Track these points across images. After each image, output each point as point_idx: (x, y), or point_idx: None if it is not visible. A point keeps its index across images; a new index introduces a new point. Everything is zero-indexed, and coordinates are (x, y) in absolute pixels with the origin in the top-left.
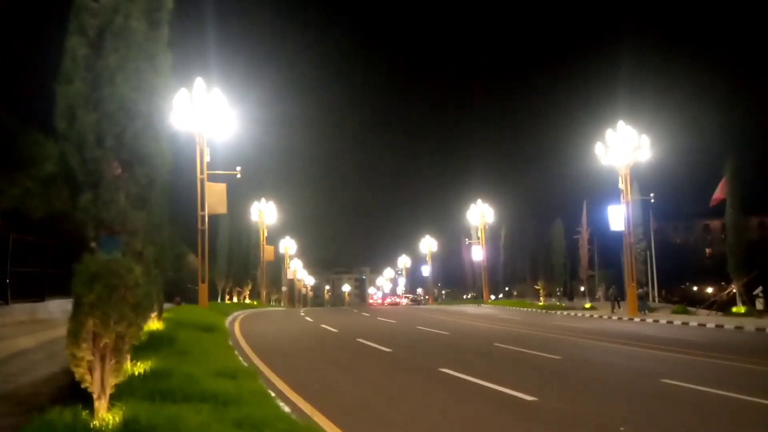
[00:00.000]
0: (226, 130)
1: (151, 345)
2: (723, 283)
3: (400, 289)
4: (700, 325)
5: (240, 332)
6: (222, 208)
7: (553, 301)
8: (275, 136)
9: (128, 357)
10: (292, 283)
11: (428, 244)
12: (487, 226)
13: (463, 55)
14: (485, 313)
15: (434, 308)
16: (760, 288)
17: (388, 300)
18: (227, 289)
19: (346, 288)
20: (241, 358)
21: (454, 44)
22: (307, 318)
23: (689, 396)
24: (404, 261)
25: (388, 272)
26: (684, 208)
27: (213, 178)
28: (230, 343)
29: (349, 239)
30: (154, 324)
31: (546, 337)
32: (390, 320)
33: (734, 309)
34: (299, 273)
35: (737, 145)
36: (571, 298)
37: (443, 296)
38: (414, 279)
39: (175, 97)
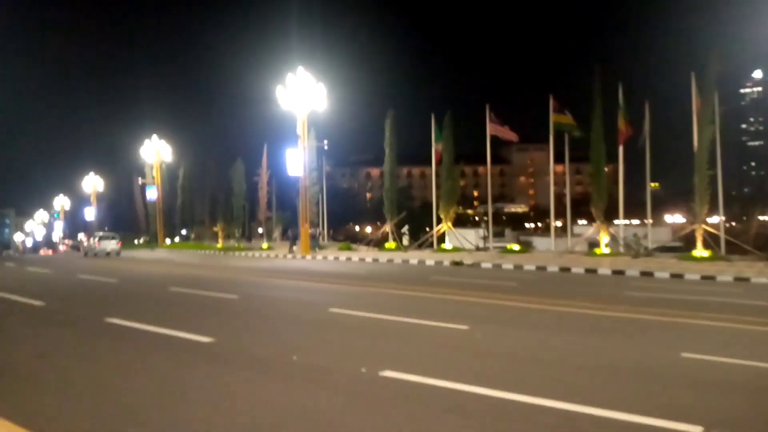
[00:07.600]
0: None
1: None
2: (379, 223)
3: (57, 234)
4: (360, 259)
5: None
6: None
7: (232, 242)
8: None
9: None
10: None
11: (93, 183)
12: (164, 165)
13: None
14: (160, 257)
15: None
16: (406, 227)
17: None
18: None
19: None
20: None
21: None
22: None
23: (350, 320)
24: (62, 202)
25: (41, 215)
26: (350, 156)
27: None
28: None
29: None
30: None
31: (224, 278)
32: (43, 270)
33: (387, 245)
34: None
35: (396, 103)
36: (249, 239)
37: None
38: (75, 223)
39: None
